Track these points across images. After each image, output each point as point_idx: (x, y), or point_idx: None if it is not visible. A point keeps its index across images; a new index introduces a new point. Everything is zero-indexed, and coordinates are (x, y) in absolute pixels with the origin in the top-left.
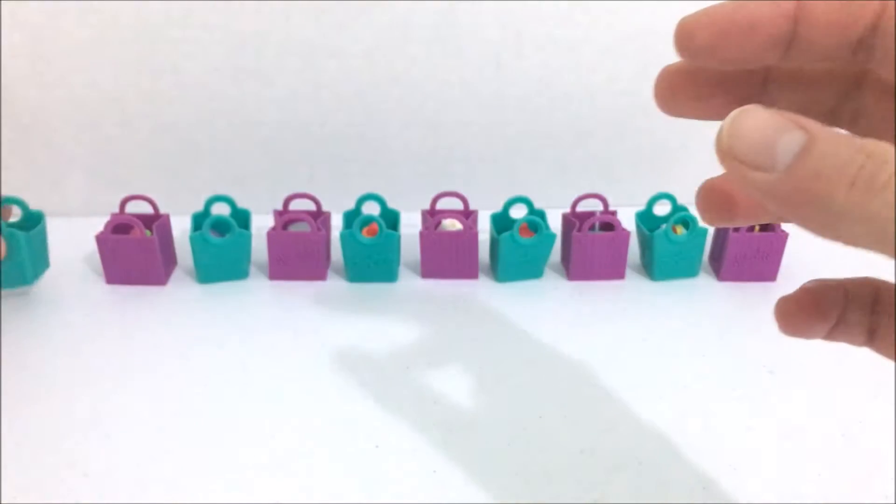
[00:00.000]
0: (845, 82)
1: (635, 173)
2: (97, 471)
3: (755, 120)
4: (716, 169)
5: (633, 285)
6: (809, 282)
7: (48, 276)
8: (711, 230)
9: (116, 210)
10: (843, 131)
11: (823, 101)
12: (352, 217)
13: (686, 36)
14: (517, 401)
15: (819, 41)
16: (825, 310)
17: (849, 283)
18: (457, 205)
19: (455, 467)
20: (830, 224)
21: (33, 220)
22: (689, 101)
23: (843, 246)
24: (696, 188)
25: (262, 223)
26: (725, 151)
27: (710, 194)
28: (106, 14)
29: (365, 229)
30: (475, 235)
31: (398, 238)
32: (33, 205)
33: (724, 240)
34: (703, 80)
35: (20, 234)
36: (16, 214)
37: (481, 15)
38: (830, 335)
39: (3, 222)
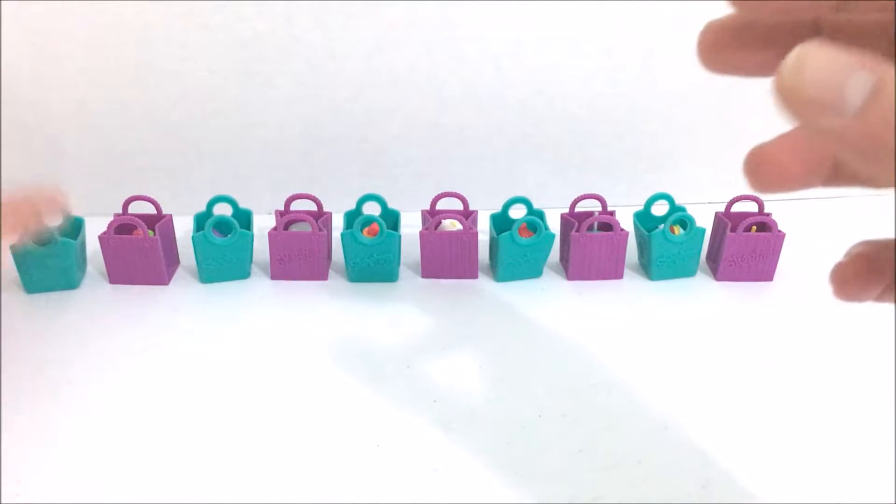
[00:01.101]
0: None
1: (633, 174)
2: (99, 470)
3: (822, 57)
4: (713, 170)
5: (632, 285)
6: (859, 244)
7: None
8: (709, 230)
9: (119, 210)
10: None
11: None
12: (352, 217)
13: None
14: (517, 399)
15: None
16: (879, 272)
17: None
18: (457, 205)
19: (455, 466)
20: None
21: (74, 226)
22: (734, 56)
23: (839, 243)
24: (745, 155)
25: (263, 223)
26: (789, 90)
27: (761, 159)
28: (109, 15)
29: (366, 229)
30: (475, 235)
31: (398, 238)
32: None
33: (722, 240)
34: (749, 33)
35: (71, 242)
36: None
37: (481, 16)
38: (879, 297)
39: (59, 234)
